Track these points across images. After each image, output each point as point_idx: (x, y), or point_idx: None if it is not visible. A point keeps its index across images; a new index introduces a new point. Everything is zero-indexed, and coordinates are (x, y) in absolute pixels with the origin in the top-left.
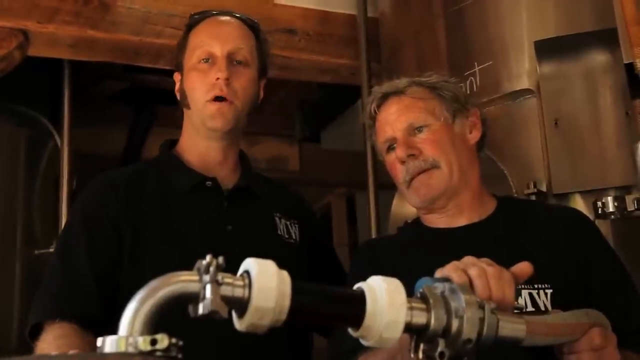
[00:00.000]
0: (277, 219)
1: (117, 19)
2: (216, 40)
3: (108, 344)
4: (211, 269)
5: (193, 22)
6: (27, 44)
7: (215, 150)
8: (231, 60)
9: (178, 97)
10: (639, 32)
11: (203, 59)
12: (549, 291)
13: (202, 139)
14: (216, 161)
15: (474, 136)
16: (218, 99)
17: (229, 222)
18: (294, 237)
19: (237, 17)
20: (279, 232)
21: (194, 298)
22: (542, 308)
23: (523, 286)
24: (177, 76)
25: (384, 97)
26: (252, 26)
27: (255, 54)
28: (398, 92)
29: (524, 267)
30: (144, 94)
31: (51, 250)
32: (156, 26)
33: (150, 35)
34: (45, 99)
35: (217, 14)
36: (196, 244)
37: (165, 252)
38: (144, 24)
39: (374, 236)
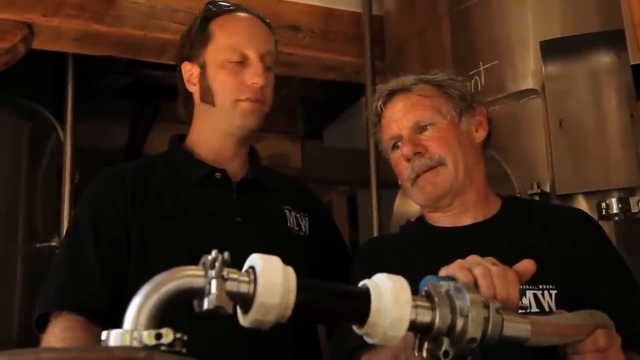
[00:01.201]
0: (287, 211)
1: (122, 13)
2: (250, 42)
3: (113, 337)
4: (217, 264)
5: (213, 14)
6: (32, 37)
7: (229, 146)
8: (262, 63)
9: (192, 90)
10: None
11: (236, 61)
12: (553, 292)
13: (218, 135)
14: (228, 156)
15: (480, 135)
16: (251, 99)
17: (238, 214)
18: (304, 229)
19: (257, 16)
20: (289, 224)
21: (199, 293)
22: (547, 309)
23: (527, 287)
24: (189, 66)
25: (391, 95)
26: (270, 27)
27: (275, 58)
28: (405, 90)
29: (527, 265)
30: (147, 89)
31: (53, 244)
32: (161, 21)
33: (155, 30)
34: (49, 93)
35: (239, 9)
36: (205, 236)
37: (173, 244)
38: (149, 19)
39: (375, 234)
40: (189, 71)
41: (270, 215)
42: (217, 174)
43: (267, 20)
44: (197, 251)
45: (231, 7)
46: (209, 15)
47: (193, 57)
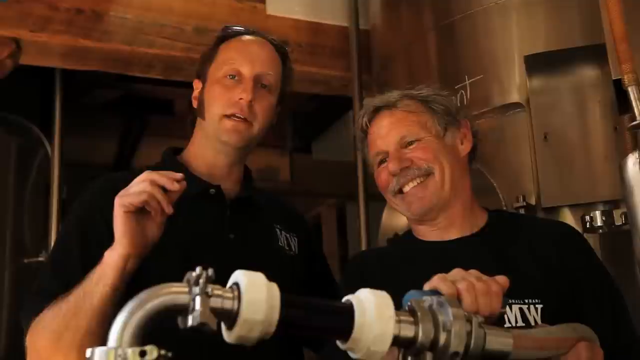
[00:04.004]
0: (277, 230)
1: (110, 28)
2: (246, 60)
3: (97, 355)
4: (201, 280)
5: (225, 36)
6: (20, 53)
7: (222, 162)
8: (257, 82)
9: (194, 105)
10: (627, 49)
11: (230, 75)
12: (539, 306)
13: (211, 150)
14: (222, 173)
15: (465, 147)
16: (236, 117)
17: (231, 231)
18: (293, 249)
19: (269, 41)
20: (280, 243)
21: (184, 310)
22: (532, 323)
23: (513, 301)
24: (197, 83)
25: (376, 111)
26: (282, 53)
27: (280, 81)
28: (390, 106)
29: (501, 280)
30: (135, 103)
31: (40, 259)
32: (148, 36)
33: (143, 45)
34: (36, 108)
35: (250, 33)
36: (198, 251)
37: (166, 258)
38: (137, 34)
39: (363, 247)
40: (196, 87)
41: (262, 233)
42: (212, 190)
43: (285, 49)
44: (190, 266)
45: (243, 31)
46: (223, 36)
47: (201, 74)
